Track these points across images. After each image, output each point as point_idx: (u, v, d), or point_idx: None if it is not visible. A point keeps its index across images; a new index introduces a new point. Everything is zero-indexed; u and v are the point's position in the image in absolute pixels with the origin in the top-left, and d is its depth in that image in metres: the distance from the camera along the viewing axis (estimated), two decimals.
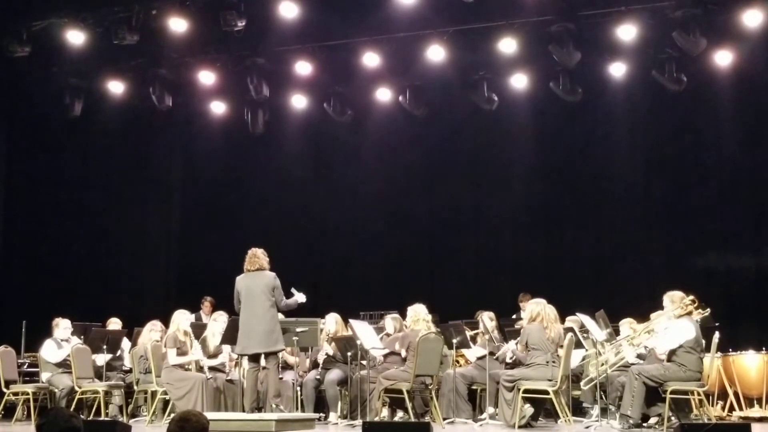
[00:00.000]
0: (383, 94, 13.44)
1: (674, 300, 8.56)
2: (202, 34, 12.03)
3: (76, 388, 10.00)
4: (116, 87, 13.26)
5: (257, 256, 8.88)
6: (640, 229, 13.20)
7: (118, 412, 10.41)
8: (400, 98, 13.23)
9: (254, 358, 8.81)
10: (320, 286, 13.96)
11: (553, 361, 8.61)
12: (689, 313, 8.49)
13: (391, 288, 13.60)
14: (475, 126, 13.85)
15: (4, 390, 10.23)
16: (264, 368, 8.81)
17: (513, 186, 13.90)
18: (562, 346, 8.76)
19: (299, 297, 9.01)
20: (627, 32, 11.46)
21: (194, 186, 15.26)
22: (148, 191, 15.10)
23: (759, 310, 12.13)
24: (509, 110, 13.27)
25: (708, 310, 9.26)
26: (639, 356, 9.04)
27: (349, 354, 9.45)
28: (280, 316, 9.12)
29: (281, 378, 9.41)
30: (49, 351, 10.33)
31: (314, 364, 10.04)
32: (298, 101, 13.85)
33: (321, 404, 9.83)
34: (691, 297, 8.57)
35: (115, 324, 11.27)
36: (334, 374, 9.66)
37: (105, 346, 10.30)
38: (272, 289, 8.73)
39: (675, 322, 8.41)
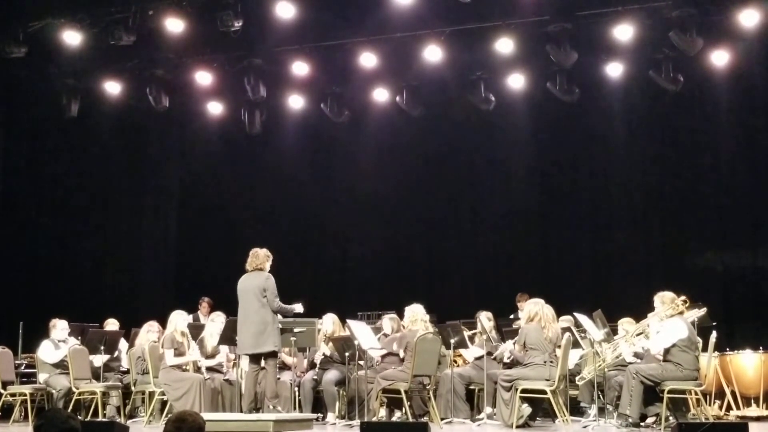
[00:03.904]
0: (380, 95, 13.43)
1: (665, 300, 8.57)
2: (199, 35, 12.02)
3: (74, 389, 9.99)
4: (113, 87, 13.25)
5: (255, 256, 8.88)
6: (637, 229, 13.22)
7: (116, 413, 10.40)
8: (398, 98, 13.23)
9: (255, 359, 8.81)
10: (317, 286, 13.97)
11: (551, 361, 8.61)
12: (681, 313, 8.50)
13: (389, 288, 13.60)
14: (472, 126, 13.85)
15: (2, 391, 10.22)
16: (262, 369, 8.80)
17: (510, 186, 13.90)
18: (559, 346, 8.76)
19: (296, 307, 8.98)
20: (624, 32, 11.47)
21: (191, 186, 15.26)
22: (145, 192, 15.10)
23: (756, 309, 12.15)
24: (506, 110, 13.27)
25: (704, 309, 9.30)
26: (636, 355, 9.05)
27: (346, 354, 9.46)
28: (278, 316, 9.10)
29: (279, 378, 9.40)
30: (47, 352, 10.32)
31: (312, 365, 10.04)
32: (295, 102, 13.85)
33: (319, 404, 9.83)
34: (683, 297, 8.58)
35: (112, 325, 11.27)
36: (332, 374, 9.65)
37: (102, 347, 10.30)
38: (263, 289, 8.72)
39: (667, 321, 8.42)
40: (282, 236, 13.98)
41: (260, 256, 8.88)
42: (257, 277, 8.78)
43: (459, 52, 12.29)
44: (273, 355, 8.79)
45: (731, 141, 12.73)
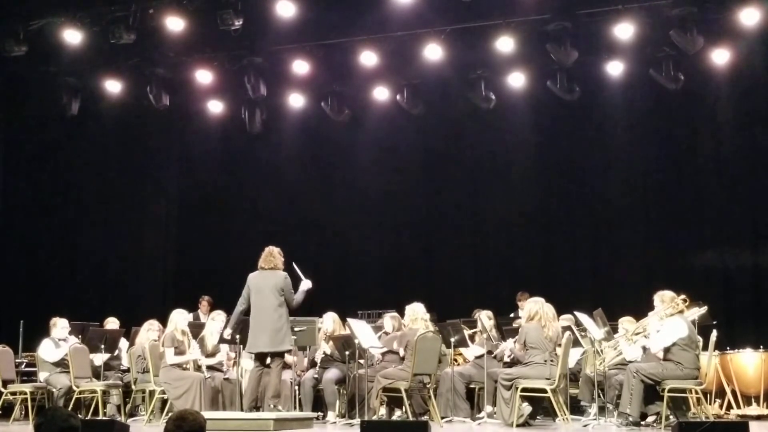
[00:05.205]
0: (381, 93, 13.43)
1: (664, 299, 8.57)
2: (199, 33, 12.03)
3: (74, 388, 10.00)
4: (113, 86, 13.26)
5: (273, 255, 8.88)
6: (638, 228, 13.21)
7: (116, 412, 10.40)
8: (398, 97, 13.23)
9: (260, 358, 8.79)
10: (318, 285, 13.93)
11: (551, 360, 8.61)
12: (681, 312, 8.50)
13: (389, 287, 13.60)
14: (472, 125, 13.85)
15: (2, 390, 10.21)
16: (267, 367, 8.77)
17: (511, 184, 13.89)
18: (560, 345, 8.76)
19: (304, 285, 9.00)
20: (624, 31, 11.47)
21: (191, 185, 15.25)
22: (146, 190, 15.10)
23: (756, 308, 12.15)
24: (507, 109, 13.27)
25: (705, 308, 9.30)
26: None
27: (347, 353, 9.46)
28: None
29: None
30: (47, 350, 10.32)
31: (312, 363, 10.04)
32: (296, 100, 13.85)
33: (319, 403, 9.83)
34: (683, 296, 8.58)
35: (112, 323, 11.28)
36: (332, 373, 9.65)
37: (103, 346, 10.30)
38: (281, 289, 8.73)
39: (667, 320, 8.42)
40: (282, 235, 13.92)
41: (276, 255, 8.89)
42: (275, 276, 8.77)
43: (459, 51, 12.29)
44: (281, 354, 8.79)
45: (732, 140, 12.72)
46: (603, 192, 13.49)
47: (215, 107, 14.09)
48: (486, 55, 12.34)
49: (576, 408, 9.64)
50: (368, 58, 12.39)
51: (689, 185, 12.91)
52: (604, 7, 11.48)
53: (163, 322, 10.11)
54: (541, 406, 9.11)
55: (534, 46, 12.03)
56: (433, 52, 12.14)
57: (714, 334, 8.82)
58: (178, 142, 15.24)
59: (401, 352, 9.54)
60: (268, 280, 8.77)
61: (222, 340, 9.64)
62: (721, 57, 11.84)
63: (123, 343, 11.03)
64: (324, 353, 9.86)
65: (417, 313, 9.75)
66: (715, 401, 10.06)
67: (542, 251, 13.66)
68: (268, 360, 8.76)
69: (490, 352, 9.53)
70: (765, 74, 12.24)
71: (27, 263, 14.29)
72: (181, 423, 4.02)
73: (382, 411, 9.55)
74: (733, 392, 10.05)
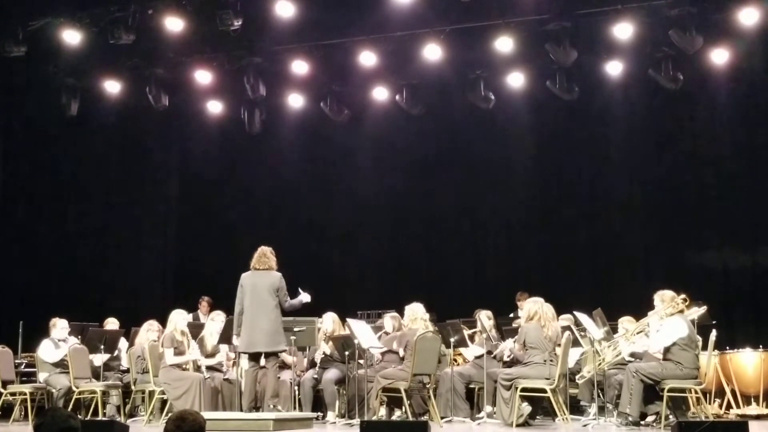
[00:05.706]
0: (380, 93, 13.44)
1: (664, 299, 8.57)
2: (199, 34, 12.03)
3: (74, 388, 10.00)
4: (112, 86, 13.25)
5: (266, 255, 8.89)
6: (637, 227, 13.21)
7: (116, 412, 10.41)
8: (397, 97, 13.23)
9: (254, 357, 8.80)
10: (317, 285, 13.93)
11: (551, 360, 8.61)
12: (681, 311, 8.50)
13: (389, 287, 13.60)
14: (471, 125, 13.85)
15: (2, 390, 10.22)
16: (262, 368, 8.79)
17: (510, 184, 13.90)
18: (559, 345, 8.77)
19: (304, 297, 9.03)
20: (623, 31, 11.48)
21: (191, 185, 15.25)
22: (145, 191, 15.10)
23: (756, 308, 12.16)
24: (506, 109, 13.28)
25: (704, 307, 9.30)
26: (633, 355, 9.04)
27: (346, 353, 9.46)
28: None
29: (278, 377, 9.39)
30: (47, 351, 10.32)
31: (312, 364, 10.04)
32: (295, 100, 13.85)
33: (319, 403, 9.83)
34: (683, 296, 8.58)
35: (112, 324, 11.28)
36: (332, 373, 9.65)
37: (102, 346, 10.31)
38: (276, 289, 8.74)
39: (667, 320, 8.42)
40: (281, 235, 13.95)
41: (270, 256, 8.90)
42: (270, 277, 8.78)
43: (458, 51, 12.29)
44: (275, 354, 8.80)
45: (731, 139, 12.73)
46: (602, 192, 13.49)
47: (214, 107, 14.09)
48: (485, 55, 12.34)
49: (576, 408, 9.64)
50: (367, 59, 12.40)
51: (689, 185, 12.92)
52: (603, 7, 11.48)
53: (163, 322, 10.12)
54: (540, 406, 9.11)
55: (533, 46, 12.03)
56: (433, 52, 12.14)
57: (713, 333, 8.82)
58: (177, 143, 15.24)
59: (401, 352, 9.54)
60: (263, 280, 8.77)
61: (223, 342, 9.65)
62: (720, 57, 11.85)
63: (122, 343, 11.04)
64: (324, 353, 9.86)
65: (416, 313, 9.75)
66: (714, 401, 10.06)
67: (542, 251, 13.66)
68: (263, 361, 8.76)
69: (489, 352, 9.54)
70: (764, 74, 12.25)
71: (27, 263, 14.28)
72: (181, 423, 4.02)
73: (382, 411, 9.55)
74: (733, 392, 10.05)
